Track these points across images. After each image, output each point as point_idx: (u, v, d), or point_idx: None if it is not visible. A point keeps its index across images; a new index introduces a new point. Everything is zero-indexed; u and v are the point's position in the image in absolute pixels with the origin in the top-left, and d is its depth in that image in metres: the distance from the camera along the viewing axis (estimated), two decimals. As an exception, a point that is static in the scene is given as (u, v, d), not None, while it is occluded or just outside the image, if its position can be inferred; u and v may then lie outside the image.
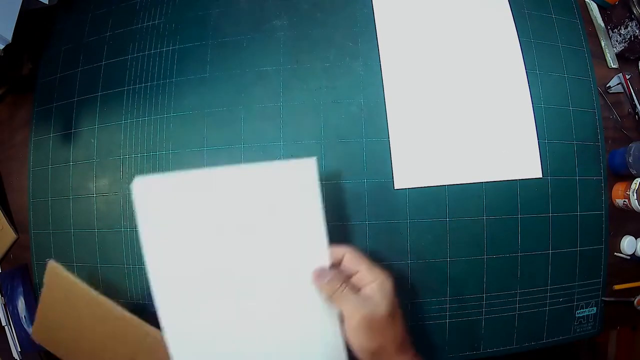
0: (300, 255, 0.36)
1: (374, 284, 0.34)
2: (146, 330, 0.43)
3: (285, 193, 0.35)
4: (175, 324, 0.35)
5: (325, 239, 0.35)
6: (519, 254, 0.46)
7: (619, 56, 0.53)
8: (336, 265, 0.36)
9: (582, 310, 0.47)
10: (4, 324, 0.53)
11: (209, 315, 0.35)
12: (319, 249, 0.35)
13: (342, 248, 0.36)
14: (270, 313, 0.35)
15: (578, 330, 0.48)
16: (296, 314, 0.36)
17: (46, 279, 0.45)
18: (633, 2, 0.51)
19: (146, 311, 0.48)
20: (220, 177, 0.36)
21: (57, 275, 0.45)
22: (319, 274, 0.35)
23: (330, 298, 0.34)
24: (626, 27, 0.52)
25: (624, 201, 0.47)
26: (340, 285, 0.33)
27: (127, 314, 0.43)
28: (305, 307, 0.35)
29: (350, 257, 0.36)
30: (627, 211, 0.47)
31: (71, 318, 0.45)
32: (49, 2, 0.48)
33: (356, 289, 0.34)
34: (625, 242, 0.49)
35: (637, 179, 0.46)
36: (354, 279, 0.35)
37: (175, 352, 0.35)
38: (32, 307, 0.52)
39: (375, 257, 0.44)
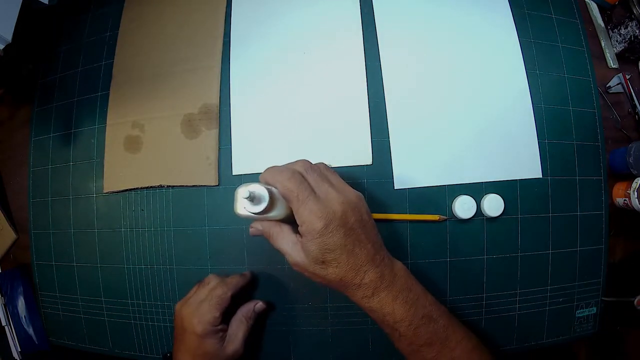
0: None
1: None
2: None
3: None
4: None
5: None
6: (519, 254, 0.46)
7: (619, 56, 0.53)
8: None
9: (582, 310, 0.47)
10: (4, 324, 0.53)
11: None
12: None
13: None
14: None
15: (578, 330, 0.47)
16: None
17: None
18: (633, 2, 0.51)
19: (146, 311, 0.48)
20: None
21: None
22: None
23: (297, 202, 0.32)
24: (626, 27, 0.51)
25: (625, 200, 0.47)
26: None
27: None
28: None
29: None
30: (628, 211, 0.47)
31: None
32: (49, 2, 0.48)
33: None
34: None
35: (637, 179, 0.46)
36: None
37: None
38: (32, 307, 0.52)
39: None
